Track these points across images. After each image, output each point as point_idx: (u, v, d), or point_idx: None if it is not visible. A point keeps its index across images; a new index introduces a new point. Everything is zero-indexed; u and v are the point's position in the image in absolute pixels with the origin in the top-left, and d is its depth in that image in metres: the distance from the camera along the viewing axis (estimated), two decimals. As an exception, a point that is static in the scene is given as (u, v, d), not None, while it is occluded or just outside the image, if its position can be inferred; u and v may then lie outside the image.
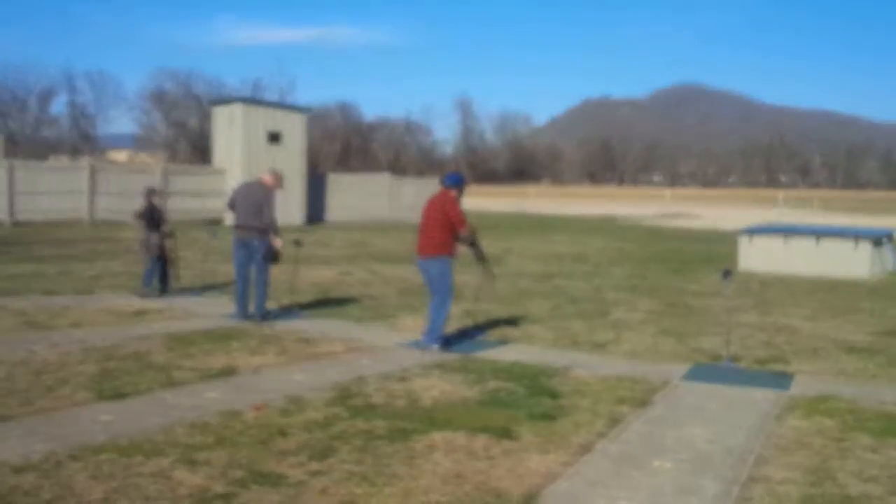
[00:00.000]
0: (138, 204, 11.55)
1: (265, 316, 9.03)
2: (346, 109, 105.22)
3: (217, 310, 9.75)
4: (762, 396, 6.12)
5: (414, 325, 8.67)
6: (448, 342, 7.88)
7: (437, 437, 4.95)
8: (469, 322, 9.05)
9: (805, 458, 4.72)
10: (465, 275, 12.44)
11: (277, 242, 9.05)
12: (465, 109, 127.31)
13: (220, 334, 8.20)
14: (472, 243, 7.97)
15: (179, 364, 6.79)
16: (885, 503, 4.06)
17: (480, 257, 8.16)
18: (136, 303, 10.12)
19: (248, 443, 4.77)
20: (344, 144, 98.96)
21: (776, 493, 4.15)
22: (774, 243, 15.21)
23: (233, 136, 26.13)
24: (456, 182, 7.86)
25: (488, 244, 19.39)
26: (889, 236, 15.63)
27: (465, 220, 7.68)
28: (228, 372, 6.58)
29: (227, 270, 13.43)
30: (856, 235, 14.90)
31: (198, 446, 4.69)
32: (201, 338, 7.98)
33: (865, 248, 14.37)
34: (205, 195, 26.03)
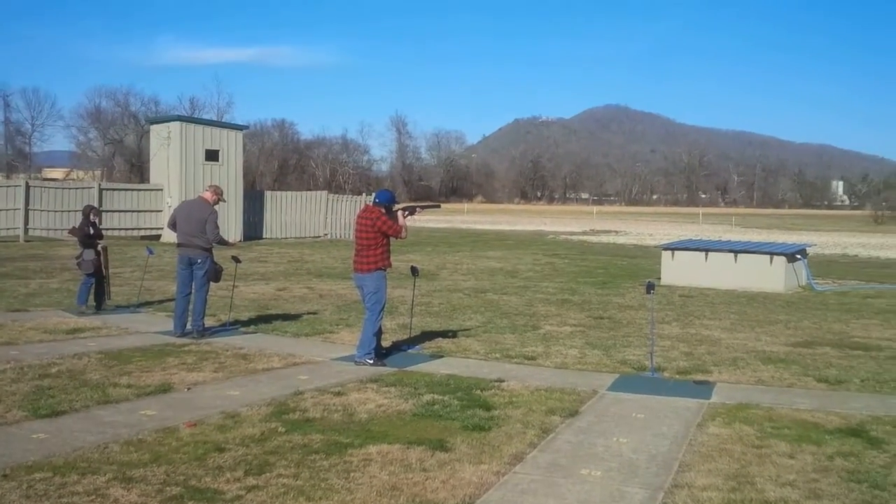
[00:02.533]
0: (75, 221, 11.32)
1: (203, 332, 8.97)
2: (283, 128, 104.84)
3: (154, 327, 9.62)
4: (685, 405, 6.40)
5: (350, 340, 8.73)
6: (383, 356, 7.97)
7: (373, 450, 5.03)
8: (405, 336, 9.16)
9: (726, 464, 4.95)
10: (401, 289, 12.57)
11: (232, 243, 9.16)
12: (400, 128, 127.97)
13: (157, 351, 8.11)
14: (413, 212, 8.32)
15: (115, 381, 6.70)
16: (800, 506, 4.30)
17: (423, 207, 8.69)
18: (72, 320, 9.91)
19: (185, 459, 4.76)
20: (281, 162, 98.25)
21: (699, 498, 4.35)
22: (695, 258, 15.82)
23: (170, 153, 25.90)
24: (384, 200, 8.01)
25: (423, 260, 19.61)
26: (802, 251, 16.42)
27: (397, 227, 7.83)
28: (165, 389, 6.52)
29: (164, 287, 13.25)
30: (771, 251, 15.59)
31: (133, 463, 4.66)
32: (137, 355, 7.88)
33: (780, 262, 15.08)
34: (142, 212, 25.89)
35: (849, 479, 4.70)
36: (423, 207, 8.78)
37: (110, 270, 11.83)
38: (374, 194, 8.38)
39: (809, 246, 18.69)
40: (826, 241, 34.72)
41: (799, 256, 15.98)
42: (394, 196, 8.23)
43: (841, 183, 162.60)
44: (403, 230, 7.87)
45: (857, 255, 27.41)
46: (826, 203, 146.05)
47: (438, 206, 9.06)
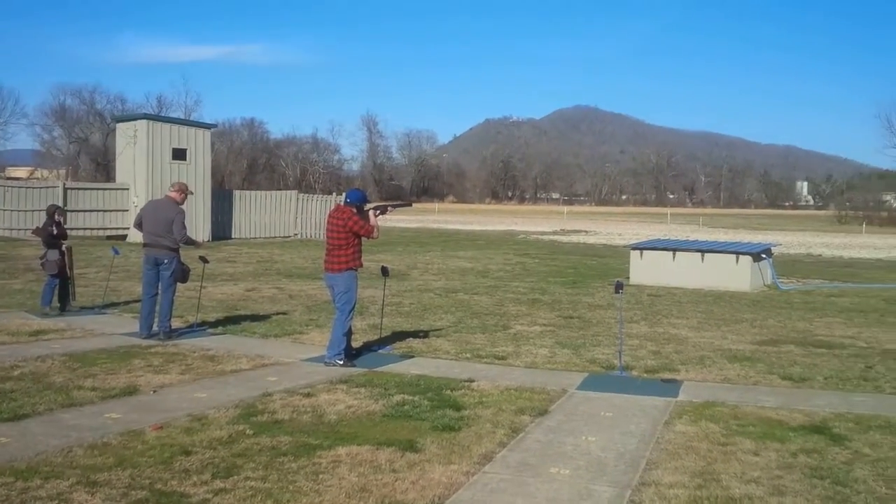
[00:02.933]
0: (39, 221, 11.12)
1: (170, 334, 8.86)
2: (253, 127, 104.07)
3: (119, 328, 9.48)
4: (652, 404, 6.47)
5: (321, 341, 8.68)
6: (353, 357, 7.94)
7: (343, 451, 5.01)
8: (375, 336, 9.13)
9: (692, 461, 5.01)
10: (372, 289, 12.53)
11: (200, 243, 9.09)
12: (371, 128, 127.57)
13: (123, 353, 8.00)
14: (385, 211, 8.33)
15: (80, 384, 6.59)
16: (765, 503, 4.35)
17: (395, 206, 8.70)
18: (35, 322, 9.73)
19: (151, 463, 4.70)
20: (251, 161, 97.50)
21: (665, 496, 4.40)
22: (663, 258, 16.01)
23: (136, 152, 25.56)
24: (355, 199, 7.98)
25: (394, 260, 19.57)
26: (767, 251, 16.69)
27: (368, 227, 7.80)
28: (130, 391, 6.43)
29: (130, 288, 13.06)
30: (737, 251, 15.84)
31: (98, 467, 4.58)
32: (103, 357, 7.76)
33: (746, 262, 15.32)
34: (107, 212, 25.52)
35: (812, 475, 4.78)
36: (394, 206, 8.77)
37: (75, 271, 11.64)
38: (344, 194, 8.34)
39: (774, 245, 19.00)
40: (791, 241, 35.34)
41: (764, 256, 16.24)
42: (365, 195, 8.20)
43: (806, 183, 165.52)
44: (375, 230, 7.84)
45: (821, 255, 27.95)
46: (791, 203, 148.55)
47: (410, 205, 9.06)
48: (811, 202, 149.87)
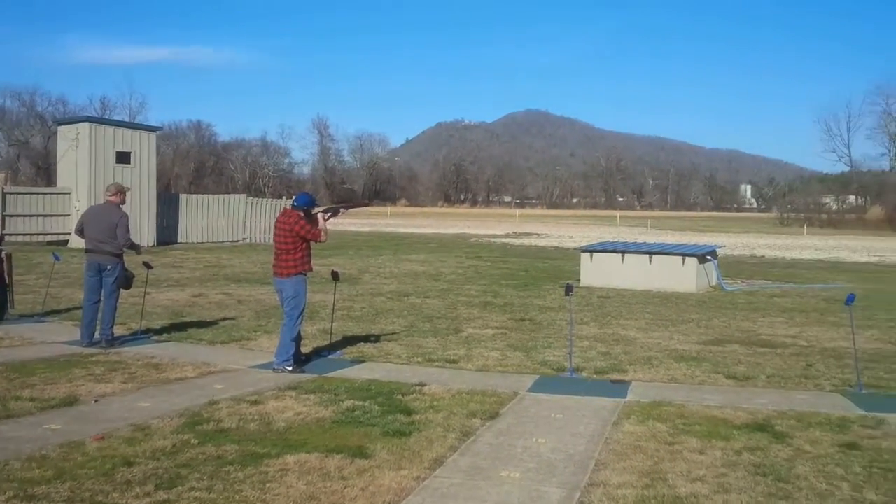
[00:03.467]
0: None
1: (112, 342, 8.62)
2: (200, 129, 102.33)
3: (59, 336, 9.20)
4: (601, 404, 6.54)
5: (269, 347, 8.55)
6: (303, 362, 7.85)
7: (291, 459, 4.93)
8: (325, 342, 9.04)
9: (640, 461, 5.08)
10: (322, 294, 12.40)
11: (140, 249, 8.97)
12: (322, 130, 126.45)
13: (63, 362, 7.76)
14: (336, 213, 8.19)
15: (17, 394, 6.37)
16: (711, 501, 4.42)
17: (348, 207, 8.64)
18: None
19: (91, 475, 4.55)
20: (198, 164, 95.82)
21: (613, 496, 4.44)
22: (612, 260, 16.23)
23: (79, 155, 24.90)
24: (303, 203, 7.87)
25: (346, 264, 19.44)
26: (713, 253, 17.07)
27: (315, 231, 7.71)
28: (70, 401, 6.23)
29: (71, 295, 12.68)
30: (683, 252, 16.16)
31: (36, 480, 4.42)
32: (42, 366, 7.52)
33: (692, 264, 15.63)
34: (48, 216, 24.76)
35: (755, 472, 4.89)
36: (347, 208, 8.67)
37: (14, 277, 11.26)
38: (293, 198, 8.24)
39: (719, 247, 19.46)
40: (735, 243, 36.23)
41: (709, 257, 16.59)
42: (313, 199, 8.11)
43: (749, 186, 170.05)
44: (323, 234, 7.76)
45: (763, 256, 28.71)
46: (735, 206, 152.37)
47: (367, 204, 8.97)
48: (754, 205, 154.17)
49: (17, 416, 5.76)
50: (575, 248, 23.78)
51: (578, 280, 16.13)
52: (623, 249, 16.75)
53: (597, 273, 16.18)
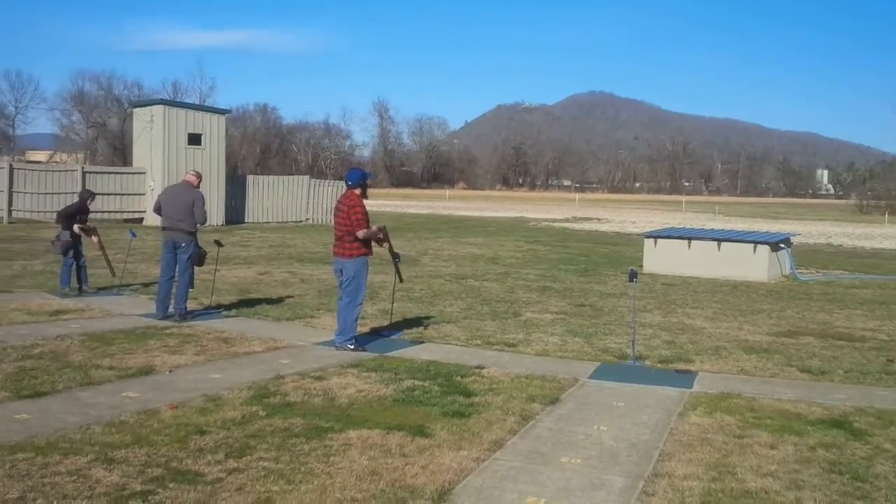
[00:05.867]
0: (59, 203, 11.42)
1: (185, 315, 8.95)
2: (266, 112, 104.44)
3: (136, 309, 9.58)
4: (666, 394, 6.41)
5: (332, 325, 8.67)
6: (363, 342, 7.94)
7: (354, 434, 5.01)
8: (385, 322, 9.14)
9: (706, 454, 4.94)
10: (382, 275, 12.53)
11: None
12: (382, 113, 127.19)
13: (139, 333, 8.07)
14: (382, 240, 8.07)
15: (97, 363, 6.67)
16: (782, 497, 4.28)
17: (392, 253, 8.41)
18: (55, 302, 9.84)
19: (166, 441, 4.73)
20: (263, 147, 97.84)
21: (679, 487, 4.35)
22: (678, 246, 15.88)
23: (153, 137, 25.87)
24: (356, 180, 7.88)
25: (405, 246, 19.58)
26: (786, 241, 16.54)
27: (364, 223, 7.69)
28: (147, 371, 6.49)
29: (147, 270, 13.18)
30: (754, 240, 15.70)
31: (115, 445, 4.63)
32: (120, 337, 7.84)
33: (764, 252, 15.18)
34: (125, 195, 25.84)
35: (830, 470, 4.72)
36: (391, 249, 8.40)
37: (94, 253, 11.79)
38: (346, 175, 8.26)
39: (793, 235, 18.84)
40: (810, 231, 35.03)
41: (783, 246, 16.10)
42: (364, 173, 8.08)
43: (826, 172, 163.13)
44: (365, 232, 7.67)
45: (841, 245, 27.68)
46: (810, 192, 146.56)
47: (398, 259, 8.80)
48: (831, 191, 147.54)
49: (98, 384, 6.03)
50: (637, 234, 23.39)
51: (641, 266, 15.85)
52: (689, 236, 16.36)
53: (661, 260, 15.88)
